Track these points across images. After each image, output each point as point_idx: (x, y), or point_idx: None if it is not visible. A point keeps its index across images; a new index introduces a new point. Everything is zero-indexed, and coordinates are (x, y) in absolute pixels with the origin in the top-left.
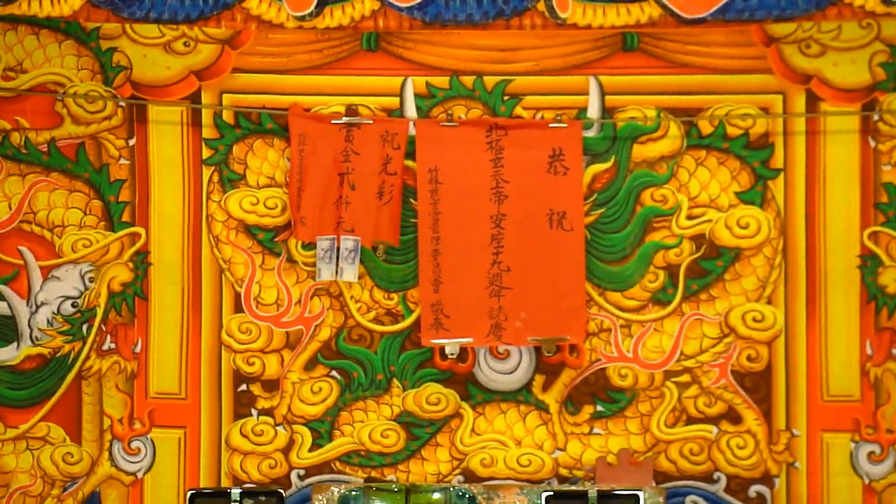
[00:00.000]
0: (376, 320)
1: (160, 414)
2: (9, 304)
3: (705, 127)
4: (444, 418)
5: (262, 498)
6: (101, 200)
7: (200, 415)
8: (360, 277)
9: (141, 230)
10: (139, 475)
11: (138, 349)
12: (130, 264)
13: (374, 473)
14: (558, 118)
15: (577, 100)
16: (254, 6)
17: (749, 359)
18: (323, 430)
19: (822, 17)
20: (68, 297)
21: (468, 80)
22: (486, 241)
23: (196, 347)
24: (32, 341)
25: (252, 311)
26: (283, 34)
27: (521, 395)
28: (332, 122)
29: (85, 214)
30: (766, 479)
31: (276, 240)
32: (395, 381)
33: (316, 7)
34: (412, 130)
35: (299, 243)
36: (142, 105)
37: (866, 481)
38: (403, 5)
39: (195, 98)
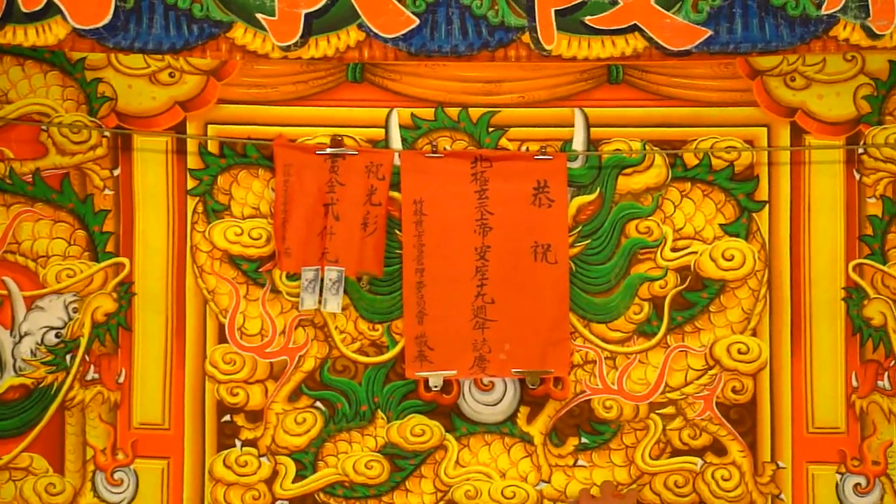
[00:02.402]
0: (360, 351)
1: (143, 445)
2: None
3: (690, 159)
4: (428, 450)
5: None
6: (85, 231)
7: (184, 445)
8: (344, 308)
9: (125, 260)
10: None
11: (122, 379)
12: (114, 294)
13: None
14: (543, 150)
15: (562, 132)
16: (239, 36)
17: (734, 391)
18: (307, 461)
19: (806, 50)
20: (52, 328)
21: (453, 112)
22: (470, 273)
23: (180, 378)
24: (16, 371)
25: (236, 341)
26: (269, 65)
27: (506, 427)
28: (317, 153)
29: (69, 245)
30: None
31: (260, 270)
32: (380, 413)
33: (301, 37)
34: (397, 161)
35: (283, 274)
36: (126, 135)
37: None
38: (388, 36)
39: (180, 129)
